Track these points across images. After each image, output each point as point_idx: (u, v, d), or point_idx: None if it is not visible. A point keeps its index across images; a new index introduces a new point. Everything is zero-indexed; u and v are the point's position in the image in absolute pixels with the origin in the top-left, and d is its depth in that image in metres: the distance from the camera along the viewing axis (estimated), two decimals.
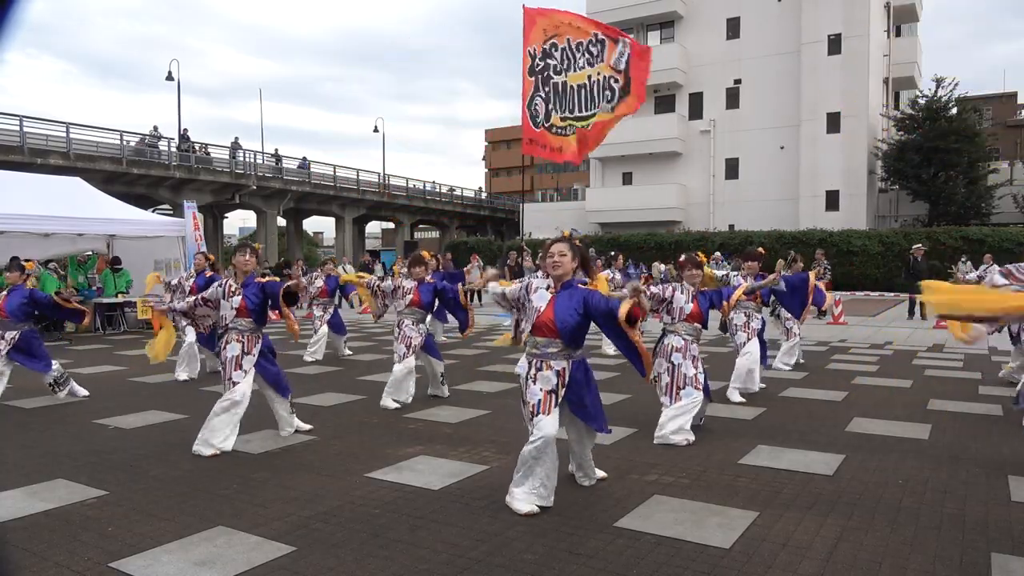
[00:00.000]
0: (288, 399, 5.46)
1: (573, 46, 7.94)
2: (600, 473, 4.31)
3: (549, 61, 8.09)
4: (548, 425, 3.76)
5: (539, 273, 4.17)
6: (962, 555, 3.16)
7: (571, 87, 8.05)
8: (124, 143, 27.23)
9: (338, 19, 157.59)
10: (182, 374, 8.30)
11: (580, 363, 3.94)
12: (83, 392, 7.12)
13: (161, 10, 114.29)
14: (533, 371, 3.88)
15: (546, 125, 8.27)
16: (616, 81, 8.05)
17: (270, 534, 3.46)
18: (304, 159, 36.28)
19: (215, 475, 4.51)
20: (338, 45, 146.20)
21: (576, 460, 4.24)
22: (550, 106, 8.17)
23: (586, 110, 8.14)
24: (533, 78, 8.21)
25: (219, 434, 5.04)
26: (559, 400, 3.84)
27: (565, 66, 8.02)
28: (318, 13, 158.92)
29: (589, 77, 8.01)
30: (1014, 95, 44.14)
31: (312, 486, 4.25)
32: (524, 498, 3.77)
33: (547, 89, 8.15)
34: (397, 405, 6.57)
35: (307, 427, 5.63)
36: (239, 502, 3.97)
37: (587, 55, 7.97)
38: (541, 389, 3.83)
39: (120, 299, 14.37)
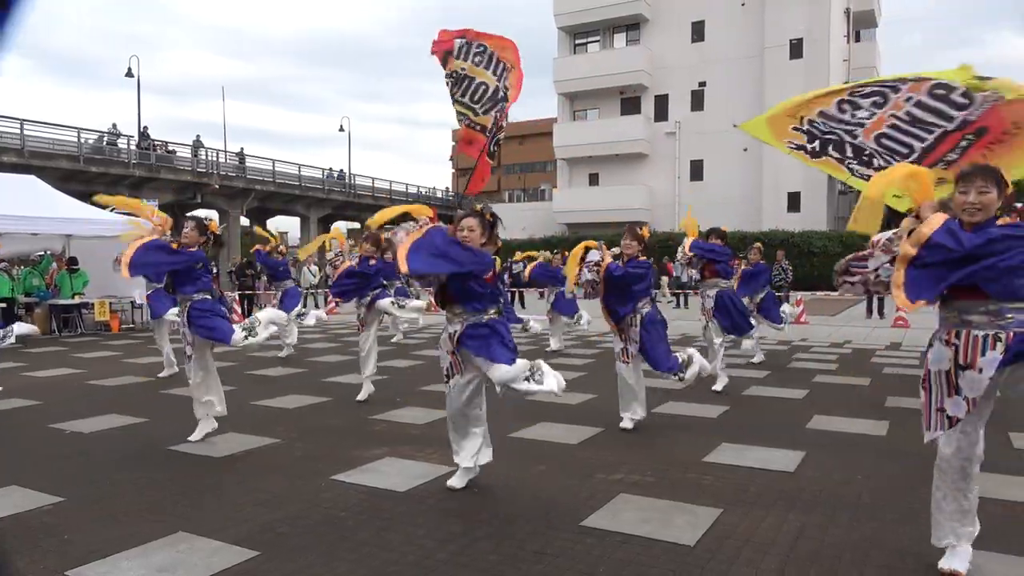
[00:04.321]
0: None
1: (474, 45, 7.64)
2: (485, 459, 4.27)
3: (462, 61, 7.69)
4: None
5: None
6: (920, 549, 3.24)
7: (477, 81, 7.70)
8: (82, 140, 26.60)
9: (304, 19, 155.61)
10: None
11: (480, 324, 4.02)
12: None
13: (124, 7, 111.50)
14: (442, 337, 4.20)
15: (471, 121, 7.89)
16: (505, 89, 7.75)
17: (233, 538, 3.41)
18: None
19: (177, 479, 4.43)
20: (304, 45, 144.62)
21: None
22: (465, 97, 7.78)
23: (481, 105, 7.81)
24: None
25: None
26: (460, 359, 4.10)
27: (476, 62, 7.67)
28: (285, 13, 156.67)
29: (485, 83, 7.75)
30: None
31: (276, 489, 4.19)
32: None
33: (462, 87, 7.73)
34: None
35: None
36: (201, 506, 3.91)
37: (483, 58, 7.70)
38: (446, 352, 4.15)
39: (77, 300, 14.03)
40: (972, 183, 2.83)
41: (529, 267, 12.17)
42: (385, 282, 7.86)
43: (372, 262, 7.22)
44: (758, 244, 10.09)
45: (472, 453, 4.20)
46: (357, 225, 49.16)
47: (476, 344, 4.00)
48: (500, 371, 3.93)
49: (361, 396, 6.97)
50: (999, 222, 2.86)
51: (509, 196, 48.35)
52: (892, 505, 3.90)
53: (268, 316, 5.41)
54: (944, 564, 2.99)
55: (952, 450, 2.96)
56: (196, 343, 5.31)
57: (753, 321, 8.66)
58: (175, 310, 8.23)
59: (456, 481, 4.20)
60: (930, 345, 3.07)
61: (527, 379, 3.95)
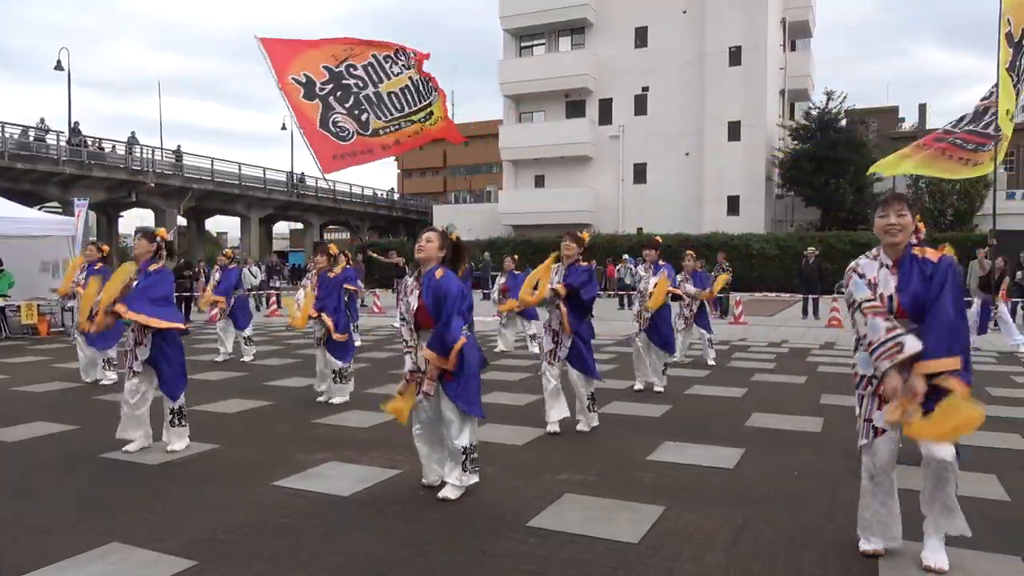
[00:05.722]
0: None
1: (381, 59, 7.66)
2: (468, 480, 4.09)
3: (348, 81, 7.68)
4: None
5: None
6: (854, 541, 3.36)
7: (387, 94, 7.74)
8: (6, 136, 25.43)
9: (248, 16, 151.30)
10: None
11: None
12: None
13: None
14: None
15: (365, 133, 7.83)
16: (429, 82, 7.86)
17: (170, 548, 3.31)
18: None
19: (110, 488, 4.27)
20: (247, 42, 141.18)
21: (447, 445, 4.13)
22: (366, 116, 7.74)
23: (416, 104, 7.82)
24: (316, 101, 7.70)
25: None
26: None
27: (376, 79, 7.69)
28: (227, 9, 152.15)
29: (411, 79, 7.79)
30: (896, 109, 47.29)
31: (217, 496, 4.09)
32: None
33: (349, 104, 7.70)
34: None
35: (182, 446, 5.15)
36: (137, 516, 3.78)
37: (400, 62, 7.73)
38: (411, 371, 4.12)
39: (2, 302, 13.40)
40: (891, 207, 3.10)
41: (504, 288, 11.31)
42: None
43: (332, 274, 7.09)
44: (691, 252, 10.20)
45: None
46: (300, 226, 48.30)
47: (455, 386, 3.99)
48: (461, 435, 4.02)
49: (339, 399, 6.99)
50: (932, 252, 3.05)
51: (455, 197, 48.19)
52: (828, 500, 4.03)
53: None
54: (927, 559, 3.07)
55: (886, 455, 3.08)
56: (145, 373, 5.09)
57: (679, 337, 8.98)
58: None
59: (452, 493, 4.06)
60: (855, 350, 3.22)
61: (465, 460, 4.02)
